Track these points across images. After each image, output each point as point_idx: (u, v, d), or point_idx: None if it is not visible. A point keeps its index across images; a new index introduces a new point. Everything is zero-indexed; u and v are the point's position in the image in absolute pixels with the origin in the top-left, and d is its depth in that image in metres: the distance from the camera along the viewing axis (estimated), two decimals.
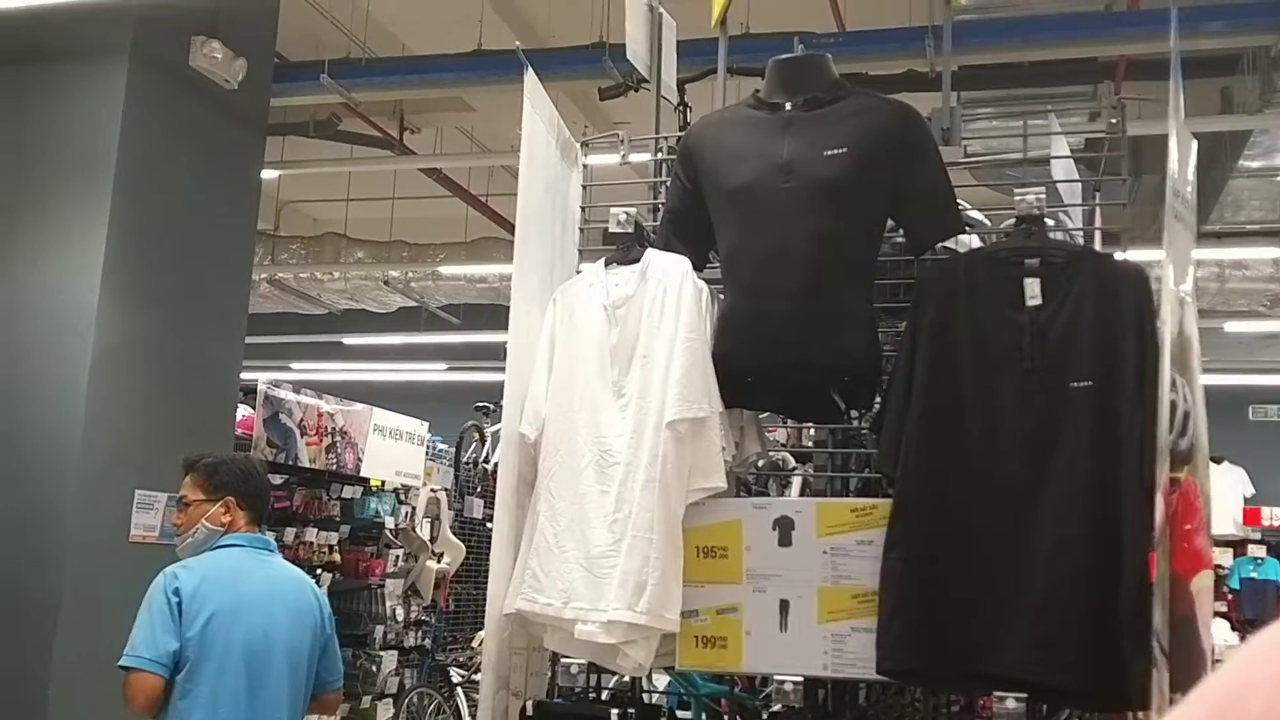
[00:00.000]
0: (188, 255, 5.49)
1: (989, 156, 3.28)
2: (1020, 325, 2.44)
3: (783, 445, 3.81)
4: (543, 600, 2.60)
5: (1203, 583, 2.50)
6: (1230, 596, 10.66)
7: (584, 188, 3.17)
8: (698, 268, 2.71)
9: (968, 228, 3.10)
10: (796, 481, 3.89)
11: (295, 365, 12.87)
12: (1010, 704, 2.33)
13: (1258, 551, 10.95)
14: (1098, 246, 3.05)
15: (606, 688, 3.00)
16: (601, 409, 2.63)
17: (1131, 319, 2.39)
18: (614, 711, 2.60)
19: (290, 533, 6.47)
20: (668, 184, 2.93)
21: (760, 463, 3.82)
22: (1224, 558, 10.87)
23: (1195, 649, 2.45)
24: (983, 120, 6.30)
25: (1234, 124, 7.00)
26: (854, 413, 2.99)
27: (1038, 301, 2.45)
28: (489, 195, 9.51)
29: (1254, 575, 10.83)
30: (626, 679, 2.91)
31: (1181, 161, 2.46)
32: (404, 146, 8.49)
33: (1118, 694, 2.29)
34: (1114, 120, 2.75)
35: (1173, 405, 2.36)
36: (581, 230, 3.15)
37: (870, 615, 2.45)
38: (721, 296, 2.70)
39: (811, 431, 3.33)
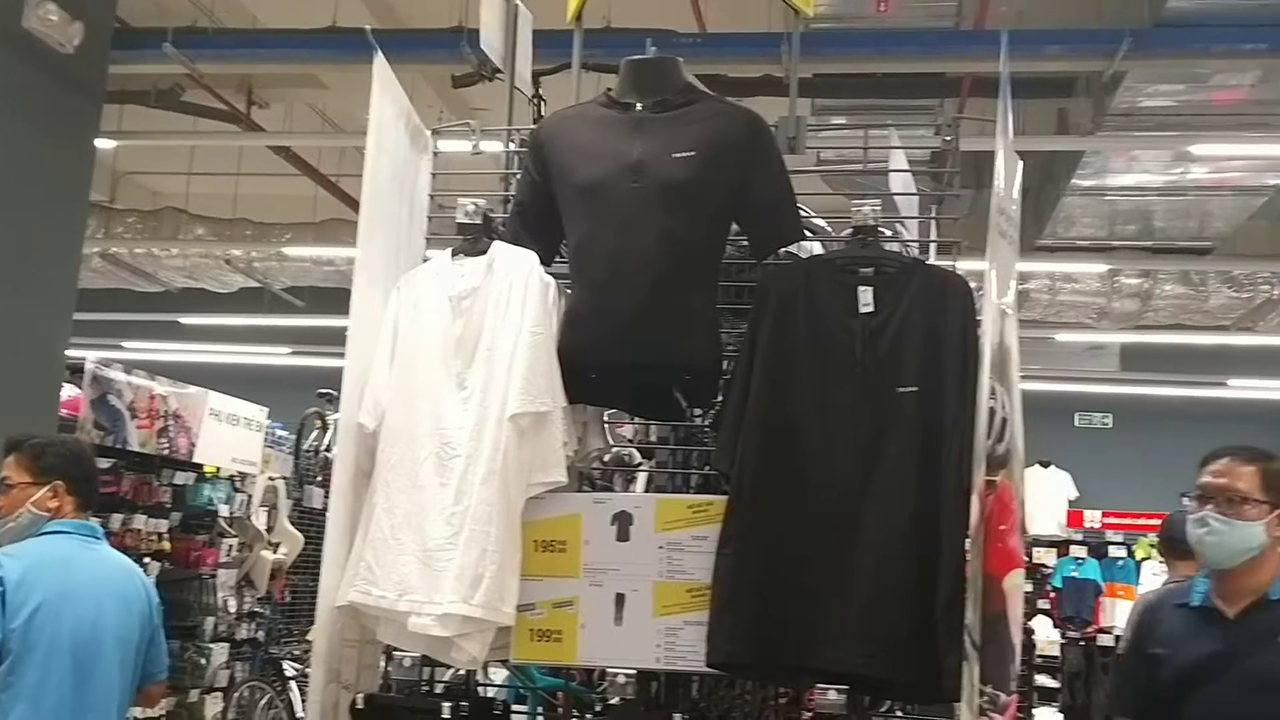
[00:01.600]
0: (13, 225, 5.21)
1: (831, 166, 3.37)
2: (853, 332, 2.53)
3: (629, 441, 3.85)
4: (376, 592, 2.57)
5: (1014, 580, 2.64)
6: (1053, 594, 11.18)
7: (433, 175, 3.14)
8: (545, 262, 2.71)
9: (810, 234, 3.19)
10: (642, 478, 3.93)
11: (128, 344, 12.32)
12: (832, 696, 2.41)
13: (1079, 552, 11.52)
14: (934, 257, 3.17)
15: (442, 681, 2.99)
16: (443, 400, 2.61)
17: (955, 329, 2.51)
18: (446, 705, 2.59)
19: (117, 519, 6.20)
20: (518, 176, 2.92)
21: (606, 458, 3.86)
22: (1048, 557, 11.40)
23: (1006, 643, 2.58)
24: (830, 131, 6.46)
25: (1068, 144, 7.37)
26: (697, 411, 3.05)
27: (870, 309, 2.54)
28: (340, 175, 9.30)
29: (1075, 574, 11.38)
30: (462, 672, 2.90)
31: (1008, 180, 2.58)
32: (251, 122, 8.22)
33: (933, 687, 2.39)
34: (948, 138, 2.86)
35: (992, 412, 2.48)
36: (430, 219, 3.11)
37: (703, 609, 2.50)
38: (569, 291, 2.71)
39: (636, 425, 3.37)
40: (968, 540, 2.41)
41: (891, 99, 7.18)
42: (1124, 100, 6.55)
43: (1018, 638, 2.64)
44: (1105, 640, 10.53)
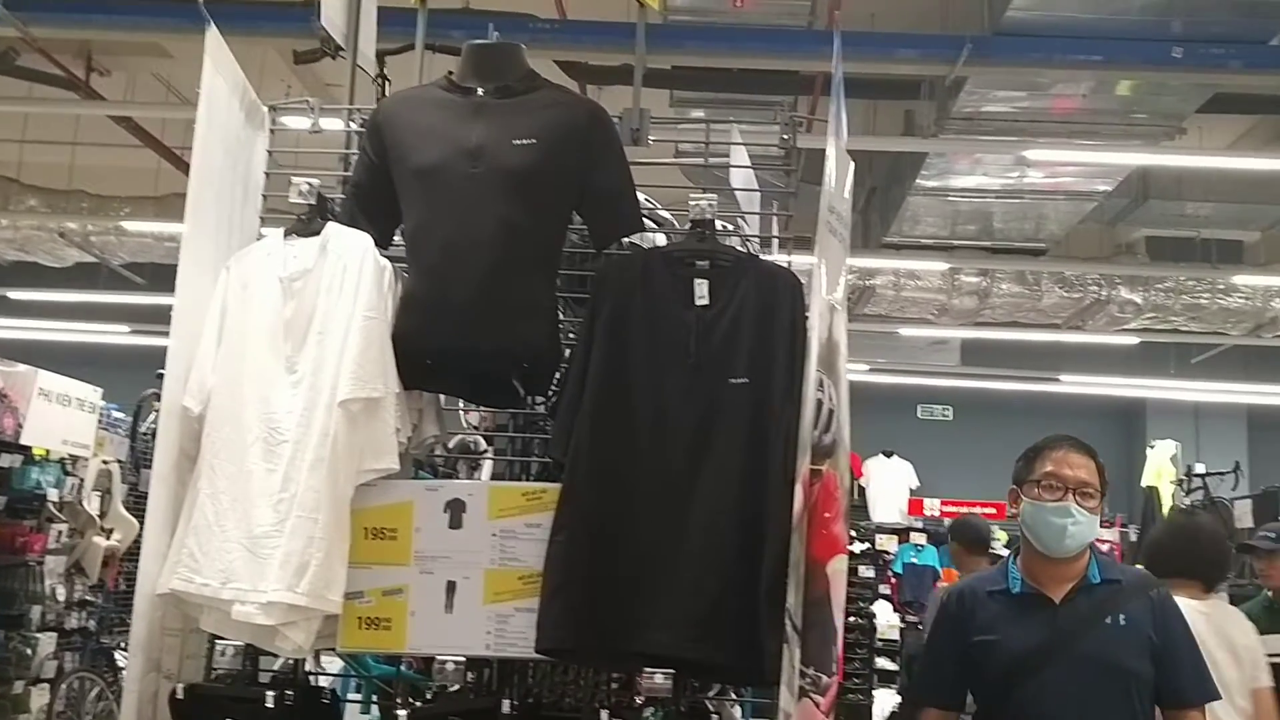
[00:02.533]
0: None
1: (672, 160, 3.42)
2: (688, 324, 2.57)
3: (475, 428, 3.83)
4: (199, 580, 2.50)
5: (838, 565, 2.73)
6: (894, 580, 11.55)
7: (270, 153, 3.06)
8: (382, 245, 2.68)
9: (656, 226, 3.23)
10: (488, 465, 3.92)
11: None
12: (658, 679, 2.45)
13: (919, 539, 11.95)
14: (777, 252, 3.24)
15: (271, 670, 2.93)
16: (272, 384, 2.55)
17: (785, 323, 2.57)
18: (270, 694, 2.54)
19: None
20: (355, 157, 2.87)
21: (451, 444, 3.83)
22: (889, 544, 11.77)
23: (829, 626, 2.67)
24: (686, 125, 6.51)
25: (912, 145, 7.62)
26: (539, 399, 3.05)
27: (705, 302, 2.59)
28: (184, 149, 8.92)
29: (915, 560, 11.80)
30: (291, 661, 2.85)
31: (839, 179, 2.66)
32: (90, 89, 7.85)
33: (756, 669, 2.46)
34: (786, 136, 2.93)
35: (819, 403, 2.55)
36: (266, 197, 3.04)
37: (535, 596, 2.51)
38: (406, 275, 2.68)
39: (483, 412, 3.36)
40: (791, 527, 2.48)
41: (749, 94, 7.30)
42: (966, 105, 6.81)
43: (840, 620, 2.73)
44: None
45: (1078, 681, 2.59)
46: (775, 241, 3.33)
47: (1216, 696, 2.74)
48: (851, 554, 11.83)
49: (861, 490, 12.61)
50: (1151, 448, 11.22)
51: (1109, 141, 7.11)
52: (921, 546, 12.05)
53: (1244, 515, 8.90)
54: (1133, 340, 10.58)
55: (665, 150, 3.44)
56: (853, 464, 12.77)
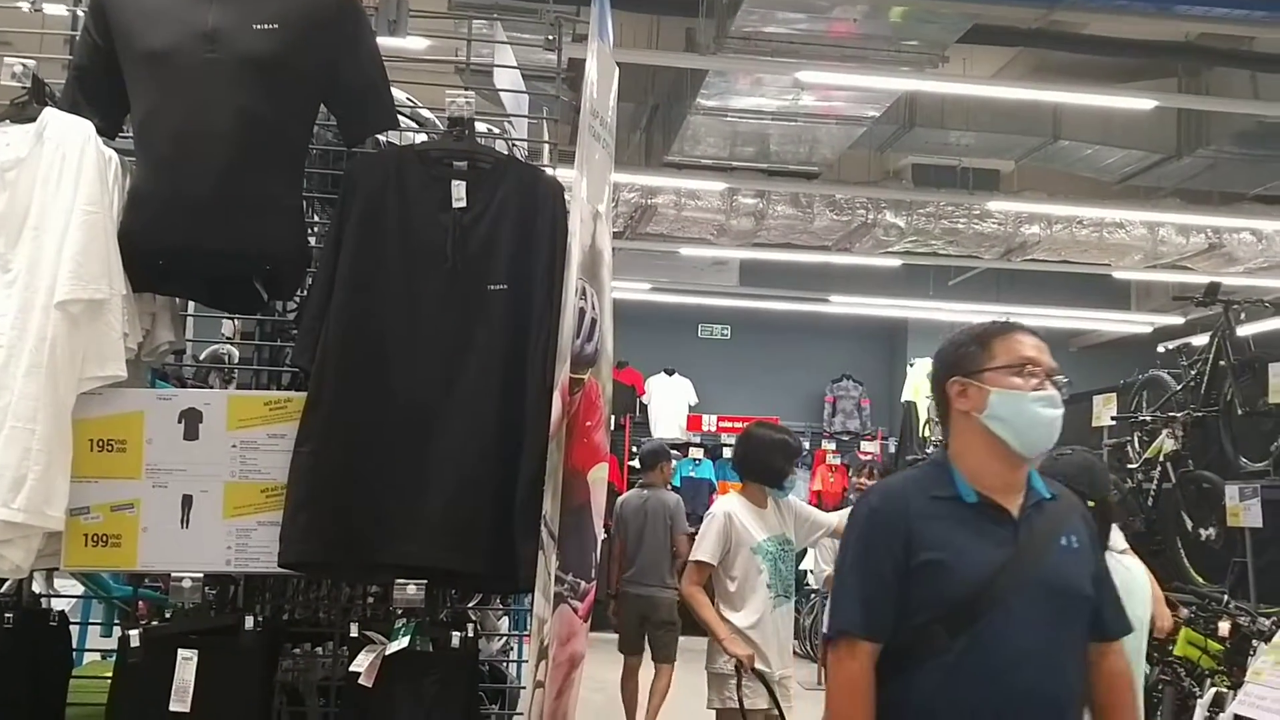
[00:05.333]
0: None
1: (436, 58, 3.29)
2: (444, 226, 2.49)
3: (230, 339, 3.63)
4: None
5: (598, 474, 2.74)
6: (674, 491, 11.89)
7: None
8: (108, 135, 2.47)
9: (418, 125, 3.10)
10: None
11: None
12: (410, 590, 2.41)
13: (697, 454, 12.34)
14: (547, 159, 3.18)
15: None
16: None
17: (546, 229, 2.52)
18: None
19: None
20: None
21: (203, 355, 3.62)
22: None
23: (588, 533, 2.69)
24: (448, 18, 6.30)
25: (690, 61, 7.63)
26: (291, 305, 2.91)
27: (463, 204, 2.50)
28: None
29: (693, 474, 12.21)
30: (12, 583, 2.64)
31: (601, 85, 2.61)
32: None
33: (510, 577, 2.44)
34: (550, 37, 2.86)
35: (581, 312, 2.53)
36: None
37: (278, 509, 2.42)
38: (135, 168, 2.48)
39: (237, 323, 3.19)
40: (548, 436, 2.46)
41: (532, 1, 7.13)
42: (745, 24, 6.85)
43: (600, 528, 2.75)
44: None
45: (1044, 611, 2.15)
46: (546, 148, 3.28)
47: (1130, 630, 2.40)
48: (635, 469, 12.16)
49: (644, 407, 12.83)
50: (911, 365, 11.82)
51: (878, 67, 7.32)
52: (699, 461, 12.48)
53: None
54: (896, 263, 11.06)
55: (432, 50, 3.31)
56: (635, 381, 12.87)
